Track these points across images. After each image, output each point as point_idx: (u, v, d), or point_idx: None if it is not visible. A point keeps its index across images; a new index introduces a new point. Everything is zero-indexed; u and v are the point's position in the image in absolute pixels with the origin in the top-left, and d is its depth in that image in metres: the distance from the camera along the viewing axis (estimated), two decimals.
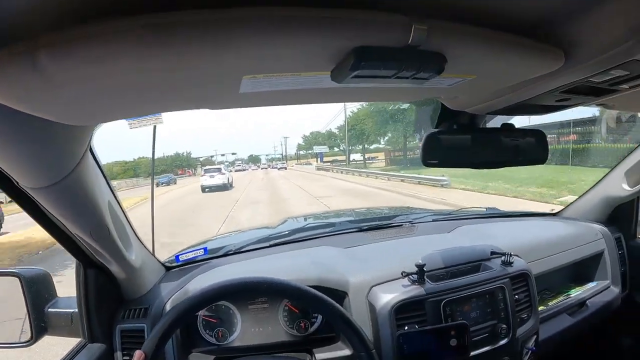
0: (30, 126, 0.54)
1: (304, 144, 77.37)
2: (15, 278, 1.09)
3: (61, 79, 0.40)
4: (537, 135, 0.98)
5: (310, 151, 74.85)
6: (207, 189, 20.22)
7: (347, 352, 1.10)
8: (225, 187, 20.70)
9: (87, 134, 0.68)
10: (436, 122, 0.96)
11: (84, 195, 0.77)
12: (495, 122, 1.02)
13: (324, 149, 63.03)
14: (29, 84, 0.40)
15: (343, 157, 55.52)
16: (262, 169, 69.13)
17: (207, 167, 26.36)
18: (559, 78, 0.67)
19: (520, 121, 1.01)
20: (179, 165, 63.37)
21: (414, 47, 0.46)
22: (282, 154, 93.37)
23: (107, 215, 0.87)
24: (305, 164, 64.06)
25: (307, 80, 0.54)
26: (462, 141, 0.93)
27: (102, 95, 0.48)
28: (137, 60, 0.39)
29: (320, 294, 0.92)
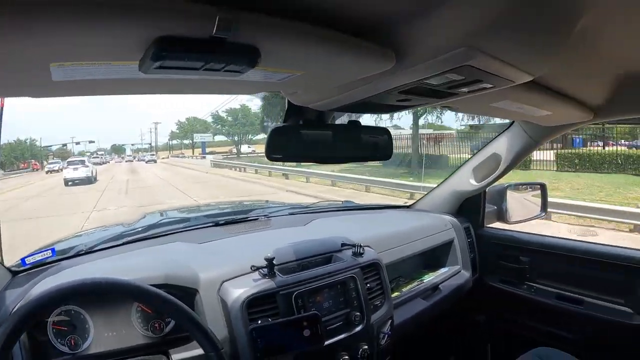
0: None
1: (178, 131, 65.59)
2: None
3: None
4: (382, 132, 1.04)
5: (186, 141, 64.59)
6: (70, 182, 19.25)
7: (200, 351, 1.06)
8: (89, 180, 19.82)
9: None
10: (283, 117, 0.97)
11: None
12: (343, 119, 1.07)
13: (207, 137, 54.30)
14: None
15: (225, 149, 50.69)
16: (126, 161, 57.68)
17: (71, 159, 24.75)
18: (395, 79, 0.70)
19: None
20: (21, 157, 46.60)
21: (221, 38, 0.45)
22: (150, 144, 78.57)
23: None
24: (180, 157, 51.97)
25: (119, 69, 0.51)
26: (307, 136, 0.95)
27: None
28: None
29: (163, 293, 0.88)
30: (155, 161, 46.46)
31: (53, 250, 1.26)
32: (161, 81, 0.58)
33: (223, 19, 0.43)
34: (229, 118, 48.22)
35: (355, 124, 1.02)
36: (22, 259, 1.23)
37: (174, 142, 68.83)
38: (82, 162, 21.92)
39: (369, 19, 0.56)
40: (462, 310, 1.86)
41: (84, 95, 0.65)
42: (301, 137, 0.94)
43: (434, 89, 0.76)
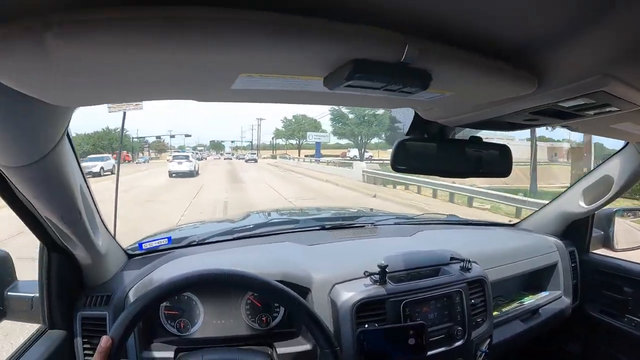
0: (14, 104, 0.54)
1: (284, 129, 59.73)
2: None
3: (65, 60, 0.40)
4: (502, 149, 1.03)
5: (292, 140, 57.92)
6: (174, 174, 21.36)
7: (307, 347, 1.12)
8: (191, 174, 22.03)
9: (67, 116, 0.67)
10: (408, 129, 1.00)
11: (59, 177, 0.77)
12: (463, 133, 1.07)
13: (323, 137, 45.74)
14: (31, 62, 0.40)
15: (336, 152, 44.08)
16: (225, 158, 54.93)
17: (176, 153, 27.94)
18: (530, 100, 0.71)
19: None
20: (109, 147, 42.37)
21: (404, 63, 0.50)
22: (251, 142, 72.57)
23: (79, 199, 0.86)
24: (287, 158, 44.87)
25: (299, 82, 0.56)
26: (431, 150, 0.97)
27: (99, 80, 0.49)
28: (144, 51, 0.41)
29: (288, 289, 0.93)
30: (255, 160, 42.89)
31: (169, 238, 1.39)
32: (326, 94, 0.63)
33: (412, 47, 0.48)
34: (351, 115, 43.19)
35: (477, 139, 1.02)
36: (140, 244, 1.36)
37: (279, 141, 63.25)
38: (187, 157, 24.27)
39: (514, 44, 0.57)
40: (558, 337, 1.76)
41: (249, 102, 0.72)
42: (426, 150, 0.97)
43: (562, 110, 0.77)
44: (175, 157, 24.01)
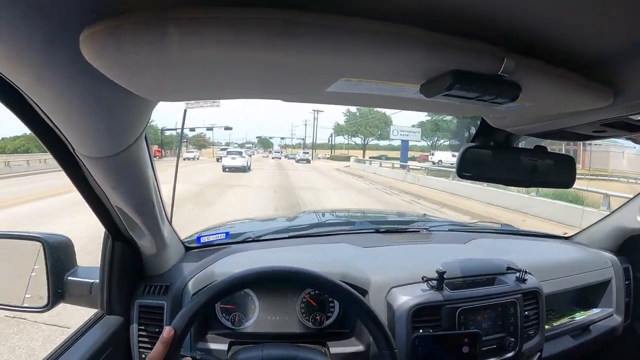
0: (103, 97, 0.56)
1: (345, 124, 50.41)
2: (38, 243, 1.10)
3: (179, 57, 0.41)
4: (567, 160, 1.01)
5: (356, 139, 48.88)
6: (227, 169, 23.33)
7: (360, 348, 1.12)
8: (244, 169, 23.77)
9: (150, 111, 0.69)
10: (473, 136, 0.98)
11: (137, 169, 0.80)
12: (525, 141, 1.05)
13: (412, 134, 31.91)
14: (143, 57, 0.42)
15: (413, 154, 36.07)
16: (273, 157, 48.89)
17: (230, 149, 30.01)
18: (603, 113, 0.71)
19: None
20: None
21: (500, 76, 0.51)
22: (303, 139, 62.47)
23: (154, 191, 0.90)
24: (363, 162, 32.68)
25: (392, 88, 0.57)
26: (496, 157, 0.96)
27: (198, 77, 0.51)
28: (258, 51, 0.42)
29: (352, 290, 0.92)
30: (308, 161, 38.68)
31: (227, 233, 1.41)
32: (412, 100, 0.64)
33: (510, 61, 0.49)
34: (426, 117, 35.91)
35: (542, 149, 0.99)
36: (198, 237, 1.38)
37: (339, 139, 52.97)
38: (240, 153, 25.85)
39: (594, 56, 0.58)
40: (608, 356, 1.69)
41: (341, 105, 0.73)
42: (492, 157, 0.95)
43: (632, 123, 0.77)
44: (229, 153, 25.90)
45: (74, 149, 0.70)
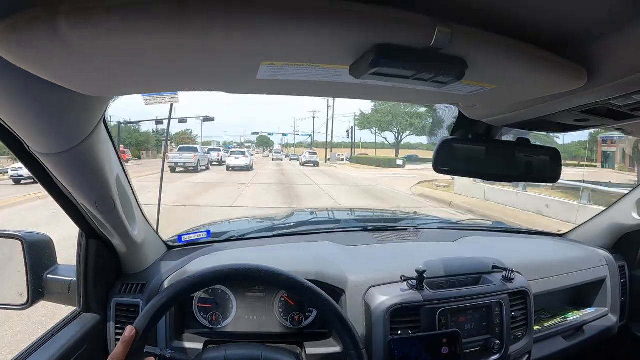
0: (47, 92, 0.55)
1: (374, 113, 39.08)
2: (18, 241, 1.10)
3: (79, 47, 0.40)
4: (551, 153, 0.97)
5: (387, 135, 38.36)
6: (231, 168, 24.09)
7: (337, 349, 1.10)
8: (247, 168, 24.67)
9: (102, 105, 0.68)
10: (452, 129, 0.96)
11: (93, 165, 0.78)
12: (509, 135, 1.02)
13: None
14: (47, 51, 0.41)
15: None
16: (273, 159, 42.81)
17: (234, 149, 30.60)
18: (580, 97, 0.67)
19: None
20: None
21: (435, 49, 0.46)
22: (311, 135, 51.57)
23: (114, 188, 0.87)
24: None
25: (325, 72, 0.54)
26: (475, 151, 0.93)
27: (119, 68, 0.48)
28: (157, 37, 0.40)
29: (317, 288, 0.91)
30: (316, 164, 31.51)
31: (209, 232, 1.40)
32: (357, 86, 0.60)
33: (442, 31, 0.44)
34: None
35: (524, 141, 0.96)
36: (179, 236, 1.38)
37: (362, 135, 42.43)
38: (243, 153, 26.71)
39: (565, 34, 0.54)
40: (602, 357, 1.65)
41: (279, 94, 0.70)
42: (470, 151, 0.92)
43: (615, 109, 0.71)
44: (232, 153, 26.97)
45: (28, 146, 0.69)
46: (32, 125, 0.63)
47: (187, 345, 1.10)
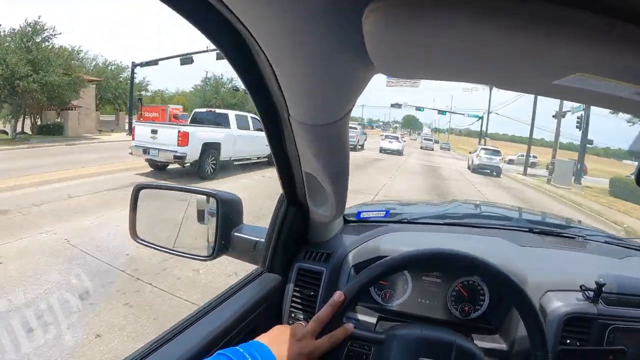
0: (340, 68, 0.59)
1: None
2: (213, 199, 1.22)
3: (423, 33, 0.42)
4: None
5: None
6: (383, 151, 26.25)
7: (503, 346, 1.10)
8: (399, 152, 26.72)
9: (364, 84, 0.69)
10: None
11: (341, 141, 0.82)
12: None
13: None
14: (405, 33, 0.43)
15: None
16: (422, 147, 40.10)
17: (388, 133, 33.76)
18: None
19: None
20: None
21: None
22: (481, 118, 40.96)
23: (348, 164, 0.93)
24: None
25: (624, 89, 0.51)
26: None
27: (430, 57, 0.50)
28: (500, 36, 0.41)
29: (521, 286, 0.91)
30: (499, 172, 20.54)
31: (387, 212, 1.46)
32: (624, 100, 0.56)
33: None
34: None
35: None
36: (358, 212, 1.44)
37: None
38: (397, 138, 28.95)
39: None
40: None
41: (567, 100, 0.67)
42: None
43: None
44: (387, 137, 29.13)
45: (289, 114, 0.75)
46: (312, 96, 0.68)
47: (361, 317, 1.16)
